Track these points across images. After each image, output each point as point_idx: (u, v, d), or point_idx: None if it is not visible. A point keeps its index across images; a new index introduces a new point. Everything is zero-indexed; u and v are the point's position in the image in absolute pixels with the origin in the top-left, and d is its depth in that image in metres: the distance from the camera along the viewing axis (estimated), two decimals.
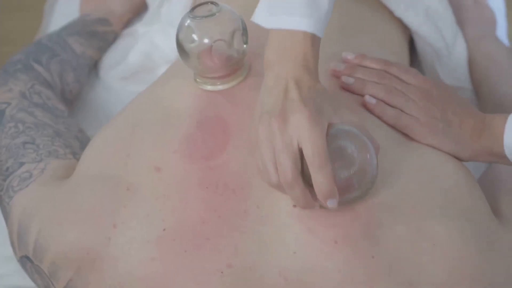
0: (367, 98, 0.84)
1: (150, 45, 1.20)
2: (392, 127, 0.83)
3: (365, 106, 0.84)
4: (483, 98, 1.15)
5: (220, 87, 0.82)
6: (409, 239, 0.73)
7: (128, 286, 0.74)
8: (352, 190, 0.72)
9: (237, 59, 0.81)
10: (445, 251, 0.73)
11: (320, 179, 0.69)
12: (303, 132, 0.68)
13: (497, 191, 0.90)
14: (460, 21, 1.22)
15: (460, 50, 1.17)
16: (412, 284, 0.71)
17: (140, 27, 1.24)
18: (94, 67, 1.22)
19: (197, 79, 0.83)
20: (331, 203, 0.70)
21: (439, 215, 0.75)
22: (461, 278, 0.73)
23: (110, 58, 1.22)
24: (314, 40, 0.73)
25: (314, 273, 0.71)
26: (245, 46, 0.82)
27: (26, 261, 0.82)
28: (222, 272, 0.72)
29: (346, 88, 0.86)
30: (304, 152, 0.69)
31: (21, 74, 1.03)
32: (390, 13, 1.10)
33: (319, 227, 0.73)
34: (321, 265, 0.71)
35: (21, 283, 0.92)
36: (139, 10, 1.30)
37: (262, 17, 0.75)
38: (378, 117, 0.83)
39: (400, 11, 1.10)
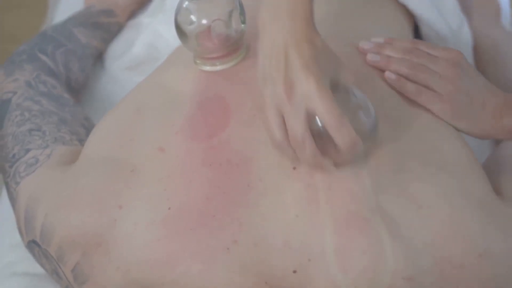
0: (387, 73, 0.84)
1: (155, 36, 1.20)
2: (401, 95, 0.84)
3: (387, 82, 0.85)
4: None
5: (219, 68, 0.83)
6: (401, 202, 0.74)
7: (135, 267, 0.74)
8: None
9: (235, 38, 0.82)
10: (432, 213, 0.73)
11: (342, 135, 0.70)
12: (313, 99, 0.69)
13: (499, 170, 0.89)
14: (465, 9, 1.22)
15: (465, 38, 1.17)
16: (409, 246, 0.71)
17: (144, 18, 1.24)
18: (99, 58, 1.23)
19: (197, 61, 0.84)
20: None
21: (430, 181, 0.76)
22: (451, 241, 0.73)
23: (115, 49, 1.23)
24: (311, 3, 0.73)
25: (315, 234, 0.72)
26: (243, 25, 0.82)
27: (33, 245, 0.82)
28: (228, 249, 0.72)
29: (372, 65, 0.86)
30: (320, 116, 0.70)
31: (26, 64, 1.04)
32: (394, 0, 1.10)
33: (320, 189, 0.73)
34: (322, 225, 0.72)
35: (29, 269, 0.92)
36: (143, 1, 1.31)
37: None
38: (399, 92, 0.84)
39: None
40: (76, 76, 1.11)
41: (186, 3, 0.81)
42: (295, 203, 0.73)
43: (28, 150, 0.88)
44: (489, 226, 0.75)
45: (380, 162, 0.76)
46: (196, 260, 0.72)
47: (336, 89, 0.72)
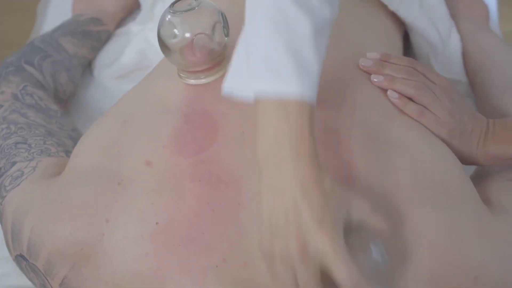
0: (390, 92, 0.84)
1: (144, 44, 1.20)
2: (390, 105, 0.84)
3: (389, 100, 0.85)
4: (476, 90, 1.14)
5: (204, 81, 0.83)
6: (396, 231, 0.73)
7: (123, 282, 0.74)
8: None
9: (219, 52, 0.82)
10: (429, 241, 0.73)
11: None
12: (328, 259, 0.64)
13: (487, 179, 0.90)
14: (454, 15, 1.22)
15: (454, 43, 1.17)
16: (400, 276, 0.71)
17: (133, 26, 1.24)
18: (88, 66, 1.22)
19: (181, 74, 0.84)
20: None
21: (425, 207, 0.75)
22: (448, 268, 0.73)
23: (104, 58, 1.23)
24: (311, 110, 0.67)
25: None
26: (226, 38, 0.82)
27: (21, 259, 0.82)
28: (217, 267, 0.72)
29: (377, 85, 0.86)
30: (335, 278, 0.65)
31: (13, 77, 1.04)
32: (384, 7, 1.09)
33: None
34: None
35: (20, 283, 0.93)
36: (131, 9, 1.31)
37: (239, 84, 0.70)
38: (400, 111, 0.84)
39: (394, 5, 1.09)
40: (64, 87, 1.11)
41: (169, 16, 0.80)
42: None
43: (13, 163, 0.88)
44: (484, 246, 0.75)
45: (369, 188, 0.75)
46: (186, 277, 0.72)
47: (349, 229, 0.68)
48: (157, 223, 0.74)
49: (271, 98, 0.66)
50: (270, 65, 0.66)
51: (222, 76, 0.83)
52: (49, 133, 0.94)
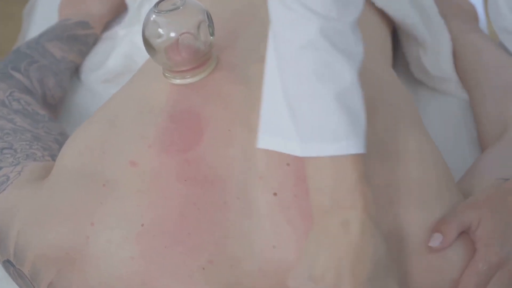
0: None
1: (131, 47, 1.19)
2: None
3: None
4: (471, 91, 1.14)
5: (189, 80, 0.82)
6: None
7: (109, 286, 0.73)
8: None
9: (204, 51, 0.81)
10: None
11: None
12: None
13: (470, 173, 0.90)
14: (444, 14, 1.21)
15: (445, 42, 1.16)
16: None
17: (120, 29, 1.24)
18: (75, 71, 1.22)
19: (166, 74, 0.83)
20: None
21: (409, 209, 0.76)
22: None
23: (91, 62, 1.22)
24: (364, 159, 0.68)
25: (290, 269, 0.70)
26: (211, 37, 0.81)
27: (8, 265, 0.81)
28: (203, 269, 0.71)
29: None
30: None
31: (0, 83, 1.04)
32: (371, 4, 1.09)
33: (297, 218, 0.72)
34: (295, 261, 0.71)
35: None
36: (118, 11, 1.31)
37: (295, 146, 0.68)
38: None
39: (382, 2, 1.08)
40: (52, 92, 1.10)
41: (154, 16, 0.80)
42: (273, 233, 0.72)
43: None
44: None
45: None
46: (173, 279, 0.71)
47: None
48: (142, 225, 0.73)
49: (326, 155, 0.66)
50: (323, 125, 0.66)
51: (208, 75, 0.83)
52: (36, 137, 0.94)
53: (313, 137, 0.67)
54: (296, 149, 0.68)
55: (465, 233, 0.76)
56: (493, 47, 1.15)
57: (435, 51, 1.14)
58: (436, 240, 0.73)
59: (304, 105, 0.67)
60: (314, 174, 0.68)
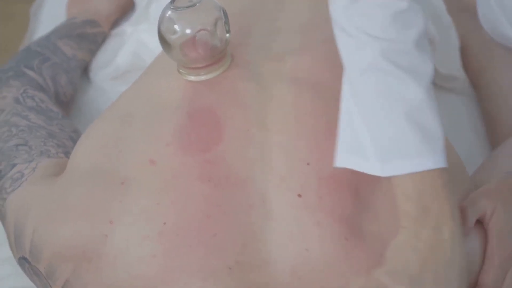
0: None
1: (138, 44, 1.20)
2: None
3: None
4: (481, 88, 1.14)
5: (204, 77, 0.82)
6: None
7: (127, 285, 0.72)
8: None
9: (220, 48, 0.81)
10: None
11: None
12: None
13: (481, 168, 0.91)
14: (451, 12, 1.22)
15: (452, 40, 1.17)
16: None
17: (128, 27, 1.24)
18: (84, 69, 1.22)
19: (181, 70, 0.83)
20: None
21: None
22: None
23: (99, 59, 1.23)
24: (446, 173, 0.69)
25: (330, 272, 0.70)
26: (227, 35, 0.81)
27: (24, 262, 0.81)
28: (230, 268, 0.70)
29: None
30: None
31: (13, 81, 1.04)
32: None
33: (327, 221, 0.72)
34: (337, 265, 0.70)
35: (18, 284, 0.91)
36: (126, 9, 1.31)
37: (373, 166, 0.69)
38: None
39: None
40: (64, 89, 1.11)
41: (169, 12, 0.80)
42: (303, 236, 0.72)
43: (14, 165, 0.87)
44: None
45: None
46: (196, 278, 0.70)
47: None
48: (164, 223, 0.72)
49: (404, 173, 0.68)
50: (397, 146, 0.67)
51: (223, 72, 0.83)
52: (50, 134, 0.93)
53: (389, 156, 0.68)
54: (376, 168, 0.69)
55: (479, 223, 0.76)
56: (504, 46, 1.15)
57: (443, 49, 1.15)
58: None
59: (376, 125, 0.68)
60: (400, 183, 0.69)
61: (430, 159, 0.67)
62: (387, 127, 0.68)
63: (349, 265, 0.70)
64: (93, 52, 1.23)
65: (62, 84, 1.10)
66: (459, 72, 1.16)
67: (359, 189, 0.74)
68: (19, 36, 1.44)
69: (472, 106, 1.15)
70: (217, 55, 0.81)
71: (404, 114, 0.67)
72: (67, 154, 0.90)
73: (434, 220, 0.68)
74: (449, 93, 1.17)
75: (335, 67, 0.84)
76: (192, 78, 0.83)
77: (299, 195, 0.73)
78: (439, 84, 1.17)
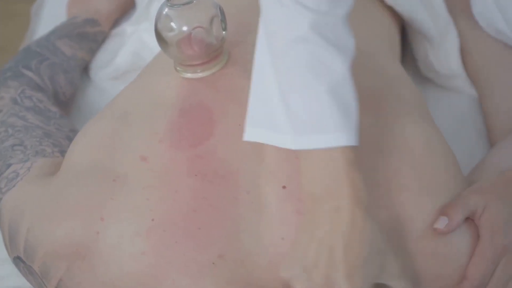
0: None
1: (139, 44, 1.19)
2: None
3: None
4: (481, 87, 1.14)
5: (200, 75, 0.82)
6: (394, 221, 0.73)
7: (120, 282, 0.72)
8: None
9: (216, 46, 0.81)
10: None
11: None
12: None
13: (477, 168, 0.90)
14: (452, 11, 1.21)
15: (452, 39, 1.16)
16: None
17: (128, 27, 1.24)
18: (85, 68, 1.22)
19: (177, 68, 0.83)
20: None
21: (421, 196, 0.76)
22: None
23: (99, 59, 1.23)
24: (356, 150, 0.68)
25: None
26: (224, 32, 0.81)
27: (19, 262, 0.81)
28: (213, 263, 0.71)
29: None
30: None
31: (11, 81, 1.04)
32: (381, 1, 1.09)
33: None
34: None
35: (18, 283, 0.91)
36: (126, 8, 1.31)
37: (285, 140, 0.69)
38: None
39: None
40: (63, 89, 1.11)
41: (166, 10, 0.80)
42: (281, 224, 0.72)
43: (9, 165, 0.87)
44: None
45: None
46: (183, 274, 0.71)
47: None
48: (153, 220, 0.72)
49: (317, 147, 0.67)
50: (315, 118, 0.66)
51: (219, 70, 0.83)
52: (46, 134, 0.93)
53: (305, 130, 0.67)
54: (287, 142, 0.68)
55: (470, 220, 0.75)
56: (503, 46, 1.15)
57: (443, 48, 1.14)
58: (441, 222, 0.73)
59: (297, 98, 0.67)
60: (305, 165, 0.69)
61: (345, 136, 0.66)
62: (308, 100, 0.66)
63: None
64: (93, 51, 1.23)
65: (61, 84, 1.10)
66: (459, 71, 1.15)
67: None
68: (19, 36, 1.44)
69: (473, 105, 1.15)
70: (213, 53, 0.81)
71: (327, 88, 0.66)
72: (62, 153, 0.90)
73: (334, 202, 0.67)
74: (450, 93, 1.16)
75: None
76: (189, 75, 0.82)
77: (284, 187, 0.73)
78: (440, 84, 1.17)
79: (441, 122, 0.99)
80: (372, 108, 0.80)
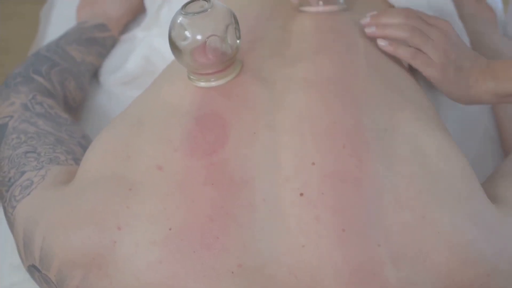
0: (379, 41, 0.89)
1: (149, 49, 1.19)
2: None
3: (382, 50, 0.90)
4: None
5: (214, 83, 0.82)
6: (414, 226, 0.72)
7: None
8: None
9: (231, 54, 0.80)
10: (449, 238, 0.72)
11: None
12: None
13: (494, 175, 0.89)
14: (462, 16, 1.21)
15: None
16: (417, 273, 0.70)
17: (138, 32, 1.24)
18: (94, 73, 1.22)
19: (191, 76, 0.83)
20: None
21: (439, 202, 0.74)
22: (465, 264, 0.72)
23: (109, 64, 1.22)
24: None
25: (323, 266, 0.70)
26: (238, 41, 0.81)
27: (33, 270, 0.81)
28: (232, 272, 0.70)
29: (371, 36, 0.90)
30: None
31: (22, 87, 1.04)
32: (390, 6, 1.09)
33: (326, 215, 0.72)
34: (330, 257, 0.70)
35: None
36: (136, 13, 1.31)
37: None
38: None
39: (401, 3, 1.08)
40: (73, 95, 1.10)
41: (180, 18, 0.79)
42: (300, 232, 0.72)
43: (23, 173, 0.87)
44: (495, 243, 0.74)
45: (384, 186, 0.74)
46: (202, 284, 0.70)
47: None
48: (170, 229, 0.72)
49: None
50: None
51: (233, 78, 0.82)
52: (59, 141, 0.93)
53: None
54: None
55: None
56: None
57: None
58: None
59: None
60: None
61: None
62: None
63: (342, 255, 0.70)
64: (102, 56, 1.23)
65: (70, 89, 1.10)
66: None
67: (362, 179, 0.74)
68: (23, 37, 1.44)
69: (487, 112, 1.14)
70: (227, 61, 0.81)
71: None
72: (76, 160, 0.90)
73: None
74: None
75: (346, 71, 0.84)
76: (202, 84, 0.82)
77: (301, 194, 0.73)
78: None
79: (454, 131, 0.99)
80: (386, 114, 0.81)
